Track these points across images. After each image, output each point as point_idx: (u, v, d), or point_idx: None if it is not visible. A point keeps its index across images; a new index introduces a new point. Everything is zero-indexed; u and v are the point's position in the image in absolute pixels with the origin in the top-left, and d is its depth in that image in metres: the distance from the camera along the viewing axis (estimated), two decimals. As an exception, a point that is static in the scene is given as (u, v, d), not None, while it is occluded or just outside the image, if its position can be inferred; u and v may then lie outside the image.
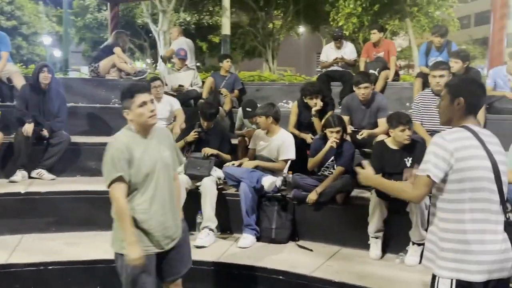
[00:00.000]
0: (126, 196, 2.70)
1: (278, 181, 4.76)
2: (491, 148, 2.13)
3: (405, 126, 4.12)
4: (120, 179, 2.64)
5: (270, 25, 22.09)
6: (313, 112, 5.26)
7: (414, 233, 4.01)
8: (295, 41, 30.32)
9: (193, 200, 4.68)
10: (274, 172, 4.76)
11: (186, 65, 7.06)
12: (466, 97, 2.17)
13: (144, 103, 2.71)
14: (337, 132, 4.52)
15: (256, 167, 4.74)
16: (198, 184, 4.75)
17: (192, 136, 4.97)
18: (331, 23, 14.76)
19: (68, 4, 10.72)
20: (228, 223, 4.88)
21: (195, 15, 22.53)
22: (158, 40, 16.66)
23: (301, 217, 4.66)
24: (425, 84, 6.06)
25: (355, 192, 4.73)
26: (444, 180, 2.13)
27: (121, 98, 2.81)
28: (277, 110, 4.86)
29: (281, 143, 4.74)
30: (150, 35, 19.64)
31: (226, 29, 15.16)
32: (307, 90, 5.23)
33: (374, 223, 4.17)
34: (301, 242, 4.55)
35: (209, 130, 5.10)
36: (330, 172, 4.67)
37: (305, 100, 5.26)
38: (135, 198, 2.74)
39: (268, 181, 4.55)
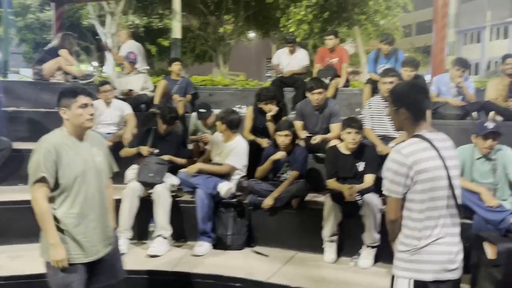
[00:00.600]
0: (55, 200, 2.64)
1: (233, 187, 4.72)
2: (445, 154, 2.20)
3: (352, 129, 4.21)
4: (43, 179, 2.57)
5: (221, 30, 22.02)
6: (268, 117, 5.27)
7: (367, 236, 4.10)
8: (245, 46, 30.48)
9: (145, 208, 4.55)
10: (223, 176, 4.70)
11: (136, 68, 6.87)
12: (408, 106, 2.21)
13: (85, 105, 2.68)
14: (286, 135, 4.55)
15: (200, 172, 4.66)
16: (150, 191, 4.62)
17: (146, 151, 4.83)
18: (282, 29, 14.96)
19: (8, 3, 10.10)
20: (182, 231, 4.77)
21: (144, 18, 22.08)
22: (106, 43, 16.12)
23: (257, 222, 4.65)
24: (374, 90, 6.26)
25: (310, 196, 4.78)
26: (405, 193, 2.20)
27: (61, 96, 2.72)
28: (232, 118, 4.79)
29: (232, 149, 4.72)
30: (97, 37, 19.00)
31: (176, 33, 14.93)
32: (262, 95, 5.23)
33: (328, 227, 4.22)
34: (257, 248, 4.53)
35: (167, 135, 4.99)
36: (285, 177, 4.69)
37: (260, 106, 5.27)
38: (66, 202, 2.66)
39: (225, 188, 4.50)
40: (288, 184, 4.52)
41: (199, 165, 4.70)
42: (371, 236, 4.07)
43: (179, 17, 14.79)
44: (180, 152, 4.99)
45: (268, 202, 4.44)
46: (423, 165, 2.13)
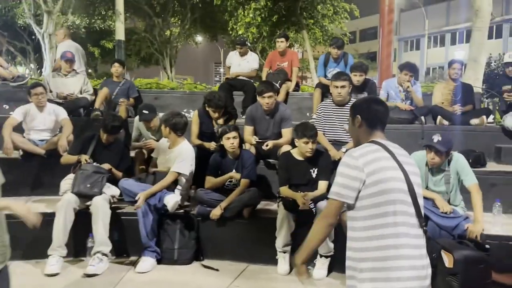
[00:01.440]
0: None
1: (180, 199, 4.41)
2: (401, 159, 2.06)
3: (309, 139, 4.05)
4: None
5: (168, 32, 21.47)
6: (220, 122, 5.02)
7: (321, 245, 3.92)
8: (193, 50, 30.09)
9: (83, 222, 4.15)
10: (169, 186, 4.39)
11: (74, 69, 6.37)
12: (362, 113, 2.14)
13: None
14: (234, 138, 4.33)
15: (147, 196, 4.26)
16: (88, 203, 4.21)
17: (84, 160, 4.43)
18: (230, 32, 14.75)
19: None
20: (124, 246, 4.41)
21: (86, 18, 21.13)
22: (42, 43, 15.18)
23: (206, 234, 4.36)
24: (324, 95, 6.19)
25: (262, 205, 4.57)
26: (356, 198, 2.01)
27: None
28: (177, 121, 4.50)
29: (177, 155, 4.42)
30: (34, 37, 17.88)
31: (120, 34, 14.36)
32: (212, 102, 4.91)
33: (281, 237, 4.02)
34: (206, 262, 4.25)
35: (110, 145, 4.61)
36: (234, 185, 4.45)
37: (207, 109, 4.98)
38: None
39: (172, 201, 4.16)
40: (238, 192, 4.28)
41: (144, 195, 4.19)
42: (325, 245, 3.90)
43: (123, 18, 14.21)
44: (121, 163, 4.62)
45: (216, 212, 4.18)
46: (376, 164, 1.99)
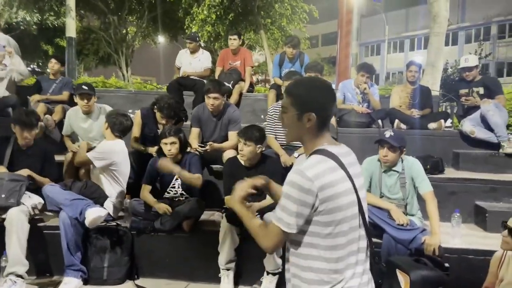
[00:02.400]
0: None
1: (110, 208, 3.92)
2: (351, 171, 1.70)
3: (240, 138, 3.66)
4: None
5: (124, 31, 20.64)
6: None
7: (268, 261, 3.55)
8: (153, 50, 29.23)
9: (-2, 238, 3.59)
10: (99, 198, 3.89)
11: (4, 64, 5.73)
12: (318, 111, 1.67)
13: None
14: (172, 143, 3.88)
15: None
16: (4, 216, 3.65)
17: None
18: (186, 30, 14.20)
19: None
20: (47, 264, 3.87)
21: (37, 14, 20.00)
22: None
23: (141, 250, 3.88)
24: (279, 96, 5.85)
25: (206, 215, 4.14)
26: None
27: None
28: (119, 121, 4.05)
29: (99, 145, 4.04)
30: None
31: (71, 31, 13.70)
32: (164, 109, 4.44)
33: (225, 252, 3.60)
34: (140, 281, 3.78)
35: (29, 148, 4.06)
36: (175, 193, 4.00)
37: (156, 111, 4.51)
38: None
39: (92, 215, 3.60)
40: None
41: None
42: (273, 261, 3.53)
43: (74, 14, 13.53)
44: (45, 168, 4.06)
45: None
46: (331, 190, 1.60)
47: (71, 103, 5.33)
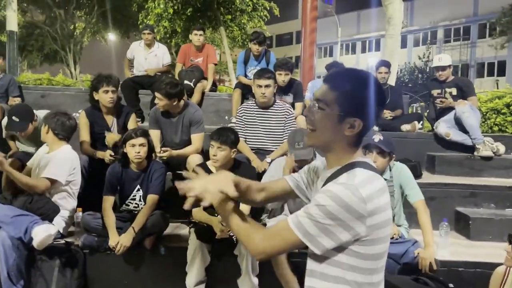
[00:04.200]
0: None
1: (59, 224, 3.38)
2: None
3: (213, 142, 3.26)
4: None
5: (72, 27, 19.50)
6: (112, 127, 4.04)
7: (244, 281, 3.15)
8: (103, 47, 28.03)
9: None
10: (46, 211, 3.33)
11: None
12: (366, 118, 1.28)
13: None
14: (141, 145, 3.39)
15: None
16: None
17: None
18: (140, 26, 13.47)
19: None
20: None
21: (-27, 6, 18.54)
22: None
23: (95, 271, 3.35)
24: (244, 96, 5.48)
25: (171, 228, 3.69)
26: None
27: None
28: (60, 121, 3.53)
29: (52, 159, 3.45)
30: None
31: (12, 25, 12.67)
32: (102, 80, 3.92)
33: (193, 273, 3.16)
34: (95, 308, 3.27)
35: None
36: (136, 206, 3.51)
37: (97, 96, 3.97)
38: None
39: (42, 234, 3.08)
40: (147, 212, 3.33)
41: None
42: (249, 281, 3.13)
43: (15, 5, 12.50)
44: None
45: (125, 242, 3.17)
46: (379, 217, 1.24)
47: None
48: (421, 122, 5.53)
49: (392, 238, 3.03)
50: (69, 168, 3.46)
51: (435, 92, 5.25)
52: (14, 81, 5.55)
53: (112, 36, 24.87)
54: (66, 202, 3.52)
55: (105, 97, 3.94)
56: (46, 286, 3.18)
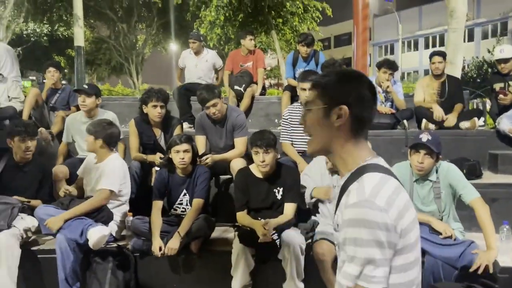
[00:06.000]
0: None
1: (112, 228, 3.53)
2: None
3: (258, 148, 3.23)
4: None
5: (134, 39, 20.46)
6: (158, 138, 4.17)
7: (289, 286, 3.10)
8: (166, 57, 29.12)
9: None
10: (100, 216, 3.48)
11: (0, 74, 5.41)
12: (353, 105, 1.24)
13: None
14: (185, 151, 3.45)
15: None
16: (-7, 240, 3.29)
17: None
18: (195, 35, 13.86)
19: None
20: (41, 291, 3.48)
21: (46, 25, 19.98)
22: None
23: (145, 274, 3.47)
24: (294, 98, 5.43)
25: (218, 232, 3.73)
26: None
27: None
28: (113, 132, 3.69)
29: (105, 170, 3.57)
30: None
31: (79, 40, 13.51)
32: (152, 95, 4.05)
33: (238, 276, 3.16)
34: (145, 310, 3.37)
35: (26, 165, 3.72)
36: (184, 210, 3.59)
37: (146, 110, 4.10)
38: None
39: (97, 235, 3.22)
40: (192, 215, 3.40)
41: (63, 216, 3.31)
42: (294, 286, 3.08)
43: (82, 22, 13.32)
44: (41, 191, 3.73)
45: (172, 246, 3.24)
46: (405, 221, 1.18)
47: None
48: (483, 119, 5.17)
49: (449, 238, 2.84)
50: (122, 176, 3.61)
51: (497, 86, 4.90)
52: (73, 92, 5.90)
53: (173, 46, 25.82)
54: (119, 207, 3.66)
55: (153, 111, 4.05)
56: (99, 286, 3.31)
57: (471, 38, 33.04)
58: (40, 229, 3.43)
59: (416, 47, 38.63)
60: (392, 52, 39.14)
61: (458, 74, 7.92)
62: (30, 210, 3.55)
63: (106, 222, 3.52)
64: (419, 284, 1.28)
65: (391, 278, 1.17)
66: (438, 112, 4.78)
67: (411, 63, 36.26)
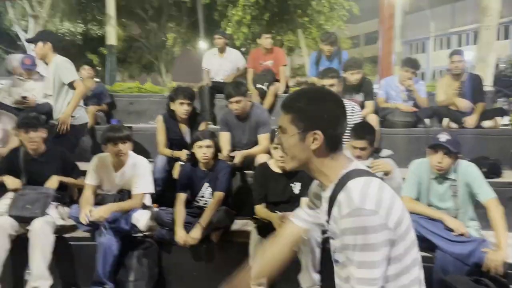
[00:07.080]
0: None
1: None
2: None
3: (278, 144, 3.35)
4: None
5: (164, 38, 20.89)
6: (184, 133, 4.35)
7: (304, 277, 3.22)
8: (196, 56, 29.54)
9: (22, 250, 3.46)
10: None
11: (38, 72, 5.74)
12: (326, 129, 1.33)
13: None
14: (208, 147, 3.61)
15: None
16: (28, 227, 3.53)
17: (13, 183, 3.70)
18: (223, 33, 14.06)
19: None
20: (74, 276, 3.71)
21: (81, 24, 20.62)
22: (27, 49, 14.61)
23: (168, 263, 3.65)
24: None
25: (239, 225, 3.87)
26: None
27: None
28: (131, 133, 3.81)
29: (134, 172, 3.69)
30: (19, 43, 17.16)
31: (111, 39, 13.97)
32: (179, 93, 4.23)
33: (255, 267, 3.30)
34: (167, 296, 3.55)
35: (42, 155, 3.83)
36: (206, 202, 3.75)
37: (173, 107, 4.28)
38: None
39: (144, 218, 3.51)
40: (214, 207, 3.56)
41: (109, 206, 3.50)
42: (309, 277, 3.20)
43: (114, 21, 13.77)
44: (67, 170, 3.87)
45: (194, 235, 3.40)
46: (395, 212, 1.28)
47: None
48: (508, 118, 5.13)
49: (462, 235, 2.89)
50: (152, 177, 3.79)
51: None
52: (105, 89, 6.18)
53: (202, 45, 26.18)
54: (146, 200, 3.85)
55: (180, 108, 4.22)
56: (125, 272, 3.51)
57: (506, 36, 32.04)
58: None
59: (448, 45, 37.75)
60: (423, 50, 38.41)
61: (490, 72, 7.81)
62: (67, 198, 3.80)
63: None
64: (420, 264, 1.38)
65: (390, 270, 1.27)
66: (462, 103, 4.70)
67: (443, 61, 35.37)
